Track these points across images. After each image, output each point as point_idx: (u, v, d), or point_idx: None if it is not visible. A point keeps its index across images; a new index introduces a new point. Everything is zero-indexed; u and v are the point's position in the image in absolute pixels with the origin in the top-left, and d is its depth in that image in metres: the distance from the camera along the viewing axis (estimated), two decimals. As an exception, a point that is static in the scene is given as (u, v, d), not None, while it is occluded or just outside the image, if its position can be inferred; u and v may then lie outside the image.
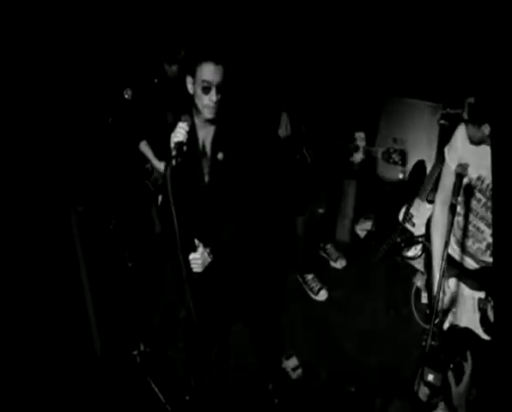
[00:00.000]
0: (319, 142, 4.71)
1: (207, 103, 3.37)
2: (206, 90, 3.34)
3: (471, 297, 3.41)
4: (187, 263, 3.53)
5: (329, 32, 4.63)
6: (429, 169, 5.17)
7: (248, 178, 3.62)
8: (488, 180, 3.13)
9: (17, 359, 3.98)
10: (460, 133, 3.27)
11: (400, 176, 5.20)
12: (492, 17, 1.80)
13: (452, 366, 2.72)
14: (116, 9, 4.97)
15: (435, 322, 2.95)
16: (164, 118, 3.66)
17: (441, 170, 3.55)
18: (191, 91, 3.44)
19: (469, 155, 3.13)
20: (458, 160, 3.20)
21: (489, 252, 3.30)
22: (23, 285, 4.02)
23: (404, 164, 4.21)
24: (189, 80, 3.42)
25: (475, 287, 3.40)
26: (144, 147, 4.68)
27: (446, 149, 3.39)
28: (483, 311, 3.33)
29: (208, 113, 3.42)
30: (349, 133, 4.56)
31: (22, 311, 4.01)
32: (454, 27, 5.22)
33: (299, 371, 4.69)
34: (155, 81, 4.62)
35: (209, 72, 3.32)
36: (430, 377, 2.74)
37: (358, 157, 4.48)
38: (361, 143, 4.49)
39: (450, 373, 2.71)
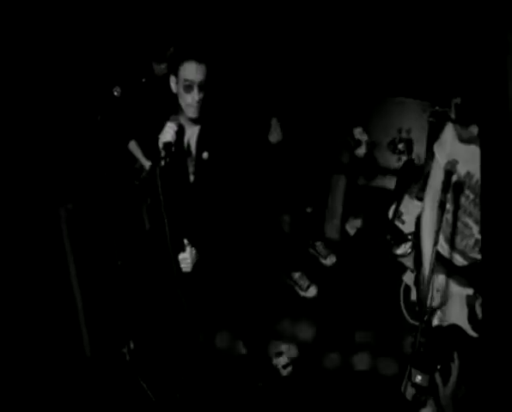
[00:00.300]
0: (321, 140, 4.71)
1: (190, 102, 3.37)
2: (188, 89, 3.34)
3: (459, 294, 3.42)
4: (177, 262, 3.53)
5: (318, 33, 4.63)
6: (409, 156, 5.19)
7: (233, 177, 3.62)
8: (477, 176, 3.14)
9: (5, 359, 3.97)
10: (449, 130, 3.28)
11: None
12: (479, 17, 1.81)
13: (439, 367, 2.72)
14: (105, 8, 4.95)
15: (425, 319, 2.96)
16: (152, 117, 3.65)
17: (430, 167, 3.56)
18: (174, 90, 3.44)
19: (458, 151, 3.14)
20: (447, 157, 3.21)
21: (477, 249, 3.31)
22: (11, 283, 4.01)
23: (410, 153, 4.22)
24: (172, 79, 3.42)
25: (463, 283, 3.41)
26: (133, 146, 4.66)
27: (435, 146, 3.40)
28: (471, 307, 3.35)
29: (191, 113, 3.41)
30: (341, 132, 4.57)
31: (10, 309, 4.00)
32: (442, 28, 5.24)
33: (289, 368, 4.70)
34: (143, 80, 4.60)
35: (191, 71, 3.32)
36: (418, 378, 2.75)
37: (361, 152, 4.49)
38: (362, 137, 4.50)
39: (437, 374, 2.71)
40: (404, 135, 4.19)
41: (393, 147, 4.19)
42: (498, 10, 1.77)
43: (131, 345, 4.37)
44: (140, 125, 4.48)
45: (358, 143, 4.49)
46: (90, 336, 4.72)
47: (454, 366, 2.70)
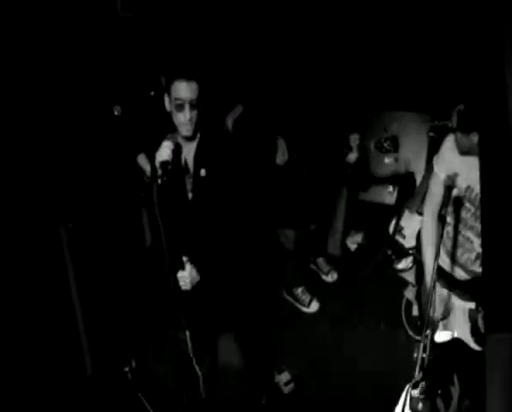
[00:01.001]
0: (315, 153, 4.71)
1: (182, 121, 3.36)
2: (180, 108, 3.33)
3: (461, 308, 3.41)
4: (176, 280, 3.52)
5: (318, 47, 4.65)
6: (418, 181, 5.19)
7: (232, 193, 3.61)
8: (477, 190, 3.14)
9: (7, 377, 3.95)
10: (449, 143, 3.29)
11: (390, 189, 5.23)
12: (477, 28, 1.82)
13: (440, 392, 2.69)
14: (108, 25, 4.99)
15: (426, 334, 2.95)
16: (154, 134, 3.65)
17: (429, 181, 3.56)
18: (168, 109, 3.44)
19: (458, 165, 3.14)
20: (446, 171, 3.21)
21: (478, 262, 3.30)
22: (12, 301, 4.00)
23: (396, 149, 4.23)
24: (166, 98, 3.43)
25: (465, 297, 3.41)
26: (142, 160, 4.66)
27: (434, 159, 3.40)
28: (473, 321, 3.34)
29: (184, 131, 3.41)
30: (340, 142, 4.58)
31: (11, 328, 3.99)
32: (442, 39, 5.25)
33: (291, 385, 4.68)
34: (151, 93, 4.60)
35: (181, 89, 3.31)
36: (419, 406, 2.71)
37: (353, 157, 4.49)
38: (354, 143, 4.51)
39: (439, 400, 2.68)
40: (389, 133, 4.22)
41: (379, 145, 4.19)
42: (496, 21, 1.77)
43: (133, 364, 4.35)
44: (141, 143, 4.49)
45: (350, 149, 4.49)
46: (91, 354, 4.71)
47: (455, 390, 2.67)
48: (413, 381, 2.63)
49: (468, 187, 3.19)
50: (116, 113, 4.20)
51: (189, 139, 3.49)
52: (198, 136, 3.52)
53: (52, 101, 4.42)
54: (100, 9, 5.06)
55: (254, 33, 5.04)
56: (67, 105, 4.59)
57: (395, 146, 4.18)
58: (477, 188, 3.14)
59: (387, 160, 4.56)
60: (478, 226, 3.23)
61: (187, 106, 3.32)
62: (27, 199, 4.07)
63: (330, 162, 4.64)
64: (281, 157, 4.75)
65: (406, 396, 2.64)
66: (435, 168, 3.37)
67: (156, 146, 3.37)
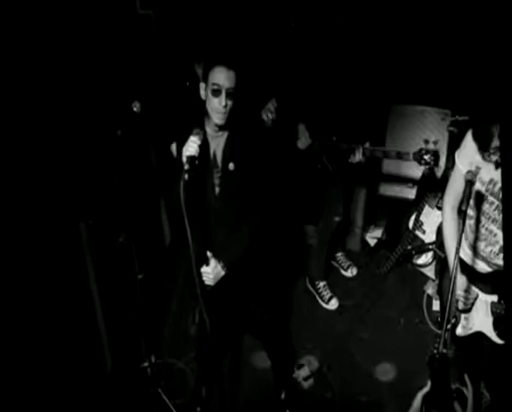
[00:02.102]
0: (325, 147, 4.71)
1: (216, 107, 3.36)
2: (216, 93, 3.34)
3: (483, 301, 3.39)
4: (200, 275, 3.52)
5: (336, 41, 4.63)
6: (438, 176, 5.16)
7: (260, 188, 3.61)
8: (500, 183, 3.12)
9: (27, 374, 3.98)
10: (471, 137, 3.26)
11: (410, 185, 5.21)
12: (498, 22, 1.80)
13: (455, 395, 2.66)
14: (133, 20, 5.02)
15: (448, 327, 2.93)
16: (175, 129, 3.65)
17: (450, 174, 3.54)
18: (203, 96, 3.44)
19: (481, 159, 3.12)
20: (469, 165, 3.18)
21: (501, 255, 3.28)
22: (33, 299, 4.02)
23: (436, 164, 4.19)
24: (202, 85, 3.43)
25: (487, 290, 3.38)
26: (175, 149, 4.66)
27: (456, 154, 3.37)
28: (496, 314, 3.32)
29: (217, 118, 3.41)
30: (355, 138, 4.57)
31: (32, 325, 4.02)
32: (461, 33, 5.22)
33: (310, 380, 4.68)
34: (187, 83, 4.61)
35: (220, 76, 3.33)
36: None
37: (355, 159, 4.48)
38: (355, 145, 4.49)
39: (456, 403, 2.64)
40: (431, 146, 4.15)
41: (419, 158, 4.14)
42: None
43: (153, 359, 4.36)
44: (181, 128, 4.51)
45: (351, 150, 4.47)
46: (111, 351, 4.73)
47: (468, 390, 2.64)
48: (424, 392, 2.60)
49: (491, 180, 3.16)
50: (135, 110, 4.20)
51: (220, 129, 3.49)
52: (228, 129, 3.52)
53: (73, 98, 4.44)
54: (120, 7, 5.09)
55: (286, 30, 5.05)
56: (87, 102, 4.61)
57: (436, 161, 4.13)
58: (500, 181, 3.12)
59: (424, 171, 4.52)
60: (501, 219, 3.20)
61: (224, 93, 3.33)
62: (48, 196, 4.09)
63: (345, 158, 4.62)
64: (303, 142, 4.74)
65: (420, 406, 2.61)
66: (457, 162, 3.34)
67: (181, 140, 3.37)
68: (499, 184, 3.14)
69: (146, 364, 4.34)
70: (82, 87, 4.57)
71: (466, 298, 3.42)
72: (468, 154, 3.25)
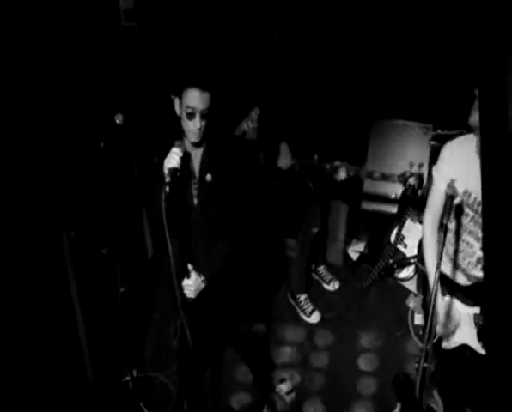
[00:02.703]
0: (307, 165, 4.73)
1: (191, 128, 3.37)
2: (190, 116, 3.34)
3: (466, 313, 3.41)
4: (181, 288, 3.51)
5: (319, 54, 4.67)
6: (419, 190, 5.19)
7: (238, 199, 3.62)
8: (475, 194, 3.16)
9: (8, 386, 3.95)
10: (446, 151, 3.31)
11: (393, 196, 5.23)
12: (479, 38, 1.82)
13: None
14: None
15: (434, 340, 2.93)
16: (156, 141, 3.65)
17: (429, 189, 3.57)
18: (178, 113, 3.45)
19: (456, 171, 3.15)
20: (445, 179, 3.22)
21: (479, 266, 3.31)
22: (14, 310, 3.99)
23: (420, 187, 4.22)
24: (176, 102, 3.43)
25: (469, 302, 3.41)
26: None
27: (433, 170, 3.42)
28: (479, 326, 3.34)
29: (193, 137, 3.42)
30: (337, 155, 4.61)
31: (13, 336, 3.99)
32: (443, 47, 5.27)
33: (293, 394, 4.66)
34: (172, 97, 4.62)
35: (193, 98, 3.32)
36: None
37: (339, 177, 4.51)
38: (338, 164, 4.52)
39: None
40: (415, 169, 4.19)
41: (403, 180, 4.18)
42: (498, 32, 1.78)
43: (134, 373, 4.34)
44: (147, 149, 4.51)
45: (335, 169, 4.50)
46: (92, 362, 4.70)
47: (439, 407, 2.64)
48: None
49: (466, 192, 3.20)
50: (118, 122, 4.19)
51: (196, 145, 3.49)
52: (206, 142, 3.53)
53: (55, 110, 4.43)
54: (104, 19, 5.09)
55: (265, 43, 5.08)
56: (69, 113, 4.60)
57: (420, 184, 4.16)
58: (475, 192, 3.16)
59: (393, 196, 4.55)
60: (477, 230, 3.24)
61: (198, 116, 3.33)
62: (30, 207, 4.07)
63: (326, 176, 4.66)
64: (283, 161, 4.76)
65: None
66: (435, 177, 3.39)
67: (162, 152, 3.37)
68: (473, 195, 3.18)
69: (128, 378, 4.32)
70: (65, 99, 4.57)
71: (446, 325, 3.43)
72: (444, 168, 3.30)
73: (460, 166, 3.17)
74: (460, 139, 3.31)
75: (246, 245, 3.82)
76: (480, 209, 3.16)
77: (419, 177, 4.18)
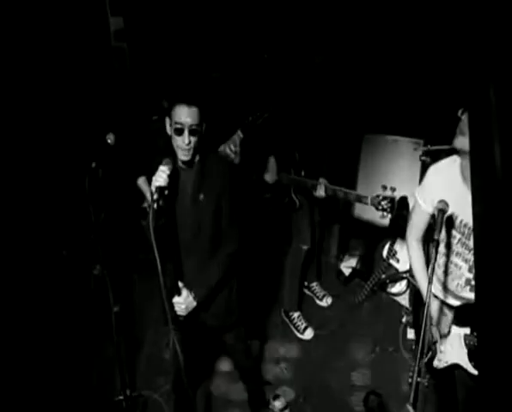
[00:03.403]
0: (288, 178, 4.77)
1: (180, 144, 3.37)
2: (179, 132, 3.35)
3: (457, 334, 3.42)
4: (171, 306, 3.52)
5: (309, 74, 4.70)
6: (411, 205, 5.22)
7: (230, 219, 3.62)
8: (461, 217, 3.18)
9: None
10: (431, 174, 3.33)
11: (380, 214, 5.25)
12: (472, 53, 1.84)
13: None
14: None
15: (425, 359, 2.94)
16: (162, 154, 3.66)
17: (411, 209, 3.59)
18: (168, 132, 3.46)
19: (442, 194, 3.16)
20: (431, 201, 3.26)
21: (468, 288, 3.32)
22: (8, 331, 3.99)
23: (392, 212, 4.24)
24: (167, 121, 3.45)
25: (459, 323, 3.41)
26: (142, 183, 4.65)
27: (417, 190, 3.44)
28: (469, 346, 3.34)
29: (182, 155, 3.42)
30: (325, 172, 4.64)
31: (10, 358, 3.98)
32: (434, 64, 5.31)
33: (286, 411, 4.66)
34: (154, 118, 4.62)
35: (181, 114, 3.34)
36: None
37: (319, 194, 4.54)
38: (322, 181, 4.55)
39: None
40: (388, 192, 4.19)
41: (376, 203, 4.20)
42: (479, 66, 1.80)
43: (128, 392, 4.32)
44: (149, 164, 4.51)
45: (314, 187, 4.54)
46: (86, 383, 4.69)
47: None
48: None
49: (452, 214, 3.21)
50: (109, 142, 4.20)
51: (187, 164, 3.50)
52: (197, 160, 3.54)
53: (46, 130, 4.44)
54: (93, 40, 5.11)
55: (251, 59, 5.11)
56: (60, 133, 4.61)
57: (392, 208, 4.19)
58: (461, 215, 3.18)
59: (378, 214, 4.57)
60: (464, 251, 3.26)
61: (186, 131, 3.34)
62: (23, 227, 4.08)
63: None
64: (271, 176, 4.79)
65: None
66: (417, 197, 3.41)
67: (152, 171, 3.38)
68: (460, 218, 3.20)
69: (121, 397, 4.30)
70: (56, 119, 4.58)
71: (440, 325, 3.45)
72: (429, 190, 3.32)
73: (445, 189, 3.18)
74: (445, 162, 3.31)
75: (240, 263, 3.83)
76: (467, 231, 3.19)
77: (391, 200, 4.19)
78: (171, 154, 3.45)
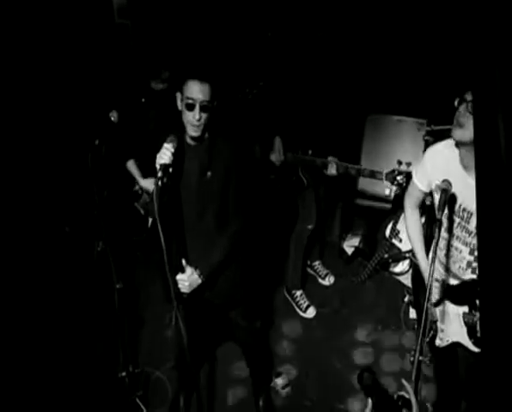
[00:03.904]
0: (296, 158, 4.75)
1: (190, 120, 3.37)
2: (190, 107, 3.34)
3: (456, 312, 3.43)
4: (175, 283, 3.52)
5: (313, 52, 4.67)
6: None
7: (238, 197, 3.62)
8: (460, 201, 3.17)
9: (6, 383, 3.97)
10: (430, 157, 3.32)
11: (387, 192, 5.23)
12: (477, 34, 1.83)
13: (400, 403, 2.63)
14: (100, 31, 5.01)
15: (427, 338, 2.95)
16: (151, 137, 3.65)
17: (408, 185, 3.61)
18: (179, 107, 3.45)
19: (440, 177, 3.15)
20: (428, 183, 3.27)
21: (469, 270, 3.32)
22: (10, 310, 4.01)
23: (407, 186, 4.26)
24: (178, 96, 3.43)
25: (459, 301, 3.42)
26: (131, 166, 4.65)
27: (414, 171, 3.45)
28: (468, 324, 3.36)
29: (192, 131, 3.42)
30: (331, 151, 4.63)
31: (10, 343, 4.00)
32: (437, 44, 5.28)
33: (288, 389, 4.69)
34: (143, 100, 4.61)
35: (193, 90, 3.34)
36: None
37: (330, 172, 4.53)
38: (332, 159, 4.54)
39: (404, 410, 2.62)
40: (404, 167, 4.20)
41: (392, 178, 4.20)
42: (484, 46, 1.78)
43: (130, 369, 4.34)
44: (138, 145, 4.50)
45: (325, 165, 4.53)
46: (89, 360, 4.71)
47: (410, 394, 2.63)
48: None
49: (452, 197, 3.21)
50: (113, 119, 4.19)
51: (196, 140, 3.49)
52: (206, 138, 3.53)
53: (50, 107, 4.43)
54: (97, 17, 5.08)
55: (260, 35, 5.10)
56: (64, 111, 4.60)
57: (408, 182, 4.19)
58: (460, 199, 3.17)
59: (387, 192, 4.55)
60: (464, 235, 3.25)
61: (198, 107, 3.34)
62: (25, 204, 4.08)
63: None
64: (277, 156, 4.77)
65: None
66: (414, 178, 3.42)
67: (152, 150, 3.37)
68: (459, 202, 3.19)
69: (124, 373, 4.32)
70: (59, 96, 4.57)
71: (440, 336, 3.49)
72: (427, 172, 3.31)
73: (443, 173, 3.17)
74: (443, 144, 3.29)
75: (246, 242, 3.83)
76: (466, 214, 3.19)
77: (407, 175, 4.19)
78: (162, 135, 3.42)
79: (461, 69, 4.13)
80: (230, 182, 3.58)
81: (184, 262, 3.59)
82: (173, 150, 3.25)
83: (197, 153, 3.54)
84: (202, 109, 3.36)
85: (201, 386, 4.55)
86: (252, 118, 4.93)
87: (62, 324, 4.56)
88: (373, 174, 4.40)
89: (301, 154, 4.75)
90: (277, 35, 5.22)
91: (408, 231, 3.64)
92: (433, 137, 4.96)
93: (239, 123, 4.94)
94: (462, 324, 3.40)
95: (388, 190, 4.92)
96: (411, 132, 5.47)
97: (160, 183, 3.15)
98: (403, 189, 4.20)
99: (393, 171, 4.24)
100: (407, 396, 2.55)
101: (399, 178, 4.20)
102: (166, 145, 3.26)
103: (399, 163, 4.25)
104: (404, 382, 2.63)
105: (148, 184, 4.49)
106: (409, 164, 4.24)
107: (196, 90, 3.34)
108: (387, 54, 5.54)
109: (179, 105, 3.44)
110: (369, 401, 2.58)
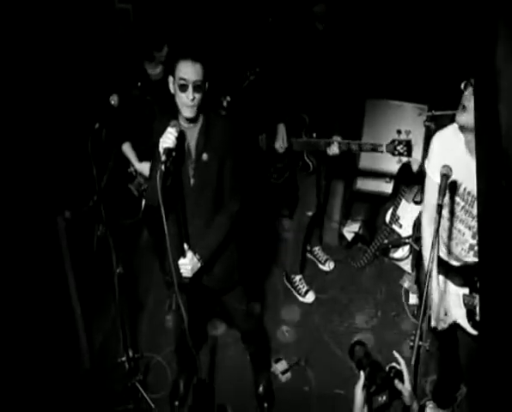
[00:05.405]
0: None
1: (184, 101, 3.35)
2: (183, 88, 3.33)
3: (456, 293, 3.44)
4: (177, 267, 3.52)
5: (314, 36, 4.65)
6: (414, 170, 5.20)
7: (234, 179, 3.62)
8: (465, 184, 3.18)
9: (5, 372, 3.96)
10: (436, 143, 3.32)
11: (387, 180, 5.27)
12: (477, 20, 1.82)
13: (392, 374, 2.65)
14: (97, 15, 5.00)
15: (425, 320, 2.95)
16: (148, 120, 3.64)
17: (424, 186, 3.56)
18: (172, 90, 3.43)
19: (446, 161, 3.15)
20: (438, 170, 3.26)
21: (472, 253, 3.33)
22: (10, 293, 4.00)
23: (409, 154, 4.23)
24: (170, 79, 3.42)
25: (459, 283, 3.43)
26: (127, 148, 4.64)
27: (426, 163, 3.42)
28: (468, 306, 3.37)
29: (186, 112, 3.40)
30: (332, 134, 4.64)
31: (8, 320, 3.99)
32: (439, 29, 5.26)
33: (288, 374, 4.70)
34: (139, 84, 4.60)
35: (185, 70, 3.32)
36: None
37: (332, 151, 4.53)
38: (335, 138, 4.55)
39: (396, 381, 2.63)
40: (403, 136, 4.20)
41: (392, 149, 4.20)
42: (485, 29, 1.78)
43: (130, 353, 4.35)
44: (135, 128, 4.49)
45: (327, 144, 4.54)
46: (89, 345, 4.71)
47: (402, 365, 2.65)
48: (361, 384, 2.63)
49: (456, 182, 3.20)
50: (112, 103, 4.18)
51: (191, 122, 3.49)
52: (201, 120, 3.52)
53: (50, 92, 4.42)
54: (97, 1, 5.06)
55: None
56: (64, 95, 4.58)
57: (409, 151, 4.17)
58: (465, 183, 3.17)
59: (399, 164, 4.55)
60: (468, 219, 3.26)
61: (191, 87, 3.32)
62: (25, 189, 4.07)
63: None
64: (280, 143, 4.76)
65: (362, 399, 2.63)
66: (428, 171, 3.39)
67: (149, 134, 3.36)
68: (464, 185, 3.19)
69: (124, 358, 4.33)
70: (60, 81, 4.55)
71: (439, 312, 3.48)
72: (435, 159, 3.30)
73: (449, 157, 3.16)
74: (449, 129, 3.29)
75: (244, 225, 3.82)
76: (470, 198, 3.19)
77: (407, 143, 4.19)
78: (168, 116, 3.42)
79: (463, 55, 4.12)
80: (226, 164, 3.57)
81: (186, 246, 3.59)
82: (176, 134, 3.25)
83: (192, 135, 3.53)
84: (195, 89, 3.34)
85: (201, 371, 4.57)
86: (252, 106, 4.92)
87: (61, 309, 4.55)
88: (374, 148, 4.41)
89: (305, 138, 4.74)
90: (277, 20, 5.21)
91: (424, 244, 3.57)
92: (434, 123, 4.95)
93: (239, 109, 4.94)
94: (462, 305, 3.41)
95: (388, 178, 4.96)
96: (411, 118, 5.45)
97: (163, 167, 3.14)
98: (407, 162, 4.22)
99: (393, 141, 4.24)
100: (399, 367, 2.57)
101: (399, 147, 4.20)
102: (169, 129, 3.25)
103: (399, 132, 4.26)
104: (395, 354, 2.65)
105: (143, 167, 4.50)
106: (408, 132, 4.25)
107: (188, 71, 3.32)
108: (387, 39, 5.51)
109: (172, 88, 3.43)
110: (362, 374, 2.61)
